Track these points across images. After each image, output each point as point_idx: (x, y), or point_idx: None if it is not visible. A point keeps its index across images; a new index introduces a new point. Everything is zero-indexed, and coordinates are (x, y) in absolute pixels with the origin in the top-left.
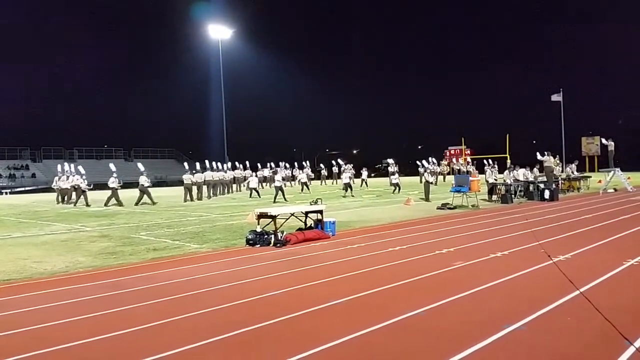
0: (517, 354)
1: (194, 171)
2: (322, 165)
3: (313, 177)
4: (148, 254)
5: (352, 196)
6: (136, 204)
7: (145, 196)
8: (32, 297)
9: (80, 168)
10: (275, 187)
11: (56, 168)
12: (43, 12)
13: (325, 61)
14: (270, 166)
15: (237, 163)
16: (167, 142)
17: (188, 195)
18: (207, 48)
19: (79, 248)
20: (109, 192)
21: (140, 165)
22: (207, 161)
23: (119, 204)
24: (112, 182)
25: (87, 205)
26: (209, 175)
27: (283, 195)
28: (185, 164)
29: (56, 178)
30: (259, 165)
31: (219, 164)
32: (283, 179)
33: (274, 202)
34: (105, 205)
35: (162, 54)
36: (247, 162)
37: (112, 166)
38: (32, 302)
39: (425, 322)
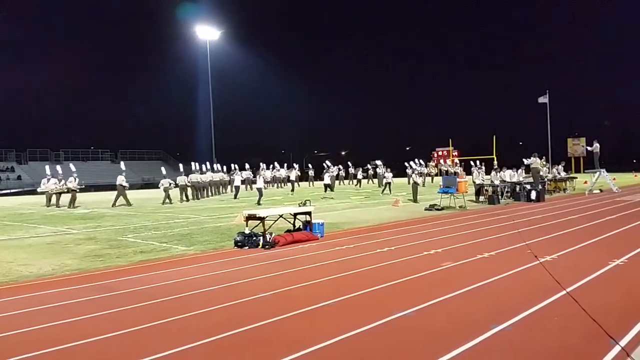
0: (505, 354)
1: (183, 172)
2: (295, 165)
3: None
4: (135, 256)
5: (332, 198)
6: (163, 202)
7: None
8: (18, 300)
9: (71, 166)
10: (257, 188)
11: (42, 170)
12: (31, 13)
13: (313, 63)
14: (252, 167)
15: (219, 165)
16: (154, 143)
17: (184, 196)
18: (195, 49)
19: (65, 251)
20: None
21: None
22: (202, 164)
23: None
24: (70, 182)
25: (58, 206)
26: (202, 176)
27: (259, 198)
28: (162, 168)
29: (44, 180)
30: (246, 165)
31: (208, 165)
32: (272, 180)
33: (258, 204)
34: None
35: (149, 55)
36: (235, 165)
37: (71, 166)
38: (18, 306)
39: (414, 322)
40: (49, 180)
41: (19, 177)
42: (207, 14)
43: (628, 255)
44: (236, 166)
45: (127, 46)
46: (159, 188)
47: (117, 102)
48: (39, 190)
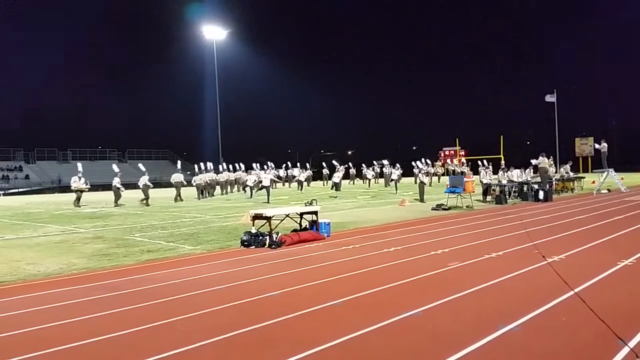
0: (512, 355)
1: (188, 172)
2: (307, 164)
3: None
4: (142, 255)
5: (335, 197)
6: (198, 198)
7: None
8: (26, 299)
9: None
10: (264, 186)
11: (49, 169)
12: (38, 12)
13: (320, 62)
14: (264, 167)
15: (239, 165)
16: (161, 143)
17: (201, 195)
18: (202, 49)
19: (73, 250)
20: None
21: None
22: (210, 163)
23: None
24: (74, 181)
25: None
26: (210, 176)
27: (267, 197)
28: (196, 166)
29: (75, 178)
30: (254, 165)
31: (224, 164)
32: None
33: (268, 202)
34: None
35: (156, 55)
36: (256, 164)
37: (114, 167)
38: (26, 304)
39: (421, 322)
40: (80, 178)
41: (27, 177)
42: (213, 14)
43: (637, 255)
44: (254, 165)
45: (133, 46)
46: (192, 185)
47: (124, 102)
48: (73, 187)
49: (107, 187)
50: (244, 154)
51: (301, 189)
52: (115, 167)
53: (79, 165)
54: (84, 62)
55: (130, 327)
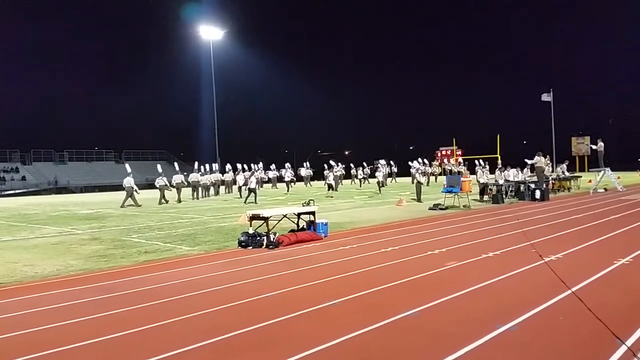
0: (510, 354)
1: (185, 172)
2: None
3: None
4: (140, 256)
5: (332, 197)
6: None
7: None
8: (22, 300)
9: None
10: (250, 188)
11: (46, 170)
12: (35, 14)
13: (317, 62)
14: (250, 167)
15: (240, 165)
16: (157, 143)
17: (196, 194)
18: (199, 49)
19: (70, 251)
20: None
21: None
22: (215, 163)
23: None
24: (129, 182)
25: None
26: (215, 176)
27: (255, 197)
28: (202, 168)
29: (130, 179)
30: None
31: (214, 165)
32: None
33: (245, 203)
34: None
35: (153, 55)
36: (252, 165)
37: (158, 167)
38: (22, 306)
39: (419, 322)
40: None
41: (23, 178)
42: (210, 14)
43: (633, 254)
44: (253, 166)
45: (130, 46)
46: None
47: (120, 103)
48: (135, 188)
49: (104, 188)
50: (241, 154)
51: (287, 190)
52: (159, 168)
53: (127, 166)
54: (80, 62)
55: (127, 328)
